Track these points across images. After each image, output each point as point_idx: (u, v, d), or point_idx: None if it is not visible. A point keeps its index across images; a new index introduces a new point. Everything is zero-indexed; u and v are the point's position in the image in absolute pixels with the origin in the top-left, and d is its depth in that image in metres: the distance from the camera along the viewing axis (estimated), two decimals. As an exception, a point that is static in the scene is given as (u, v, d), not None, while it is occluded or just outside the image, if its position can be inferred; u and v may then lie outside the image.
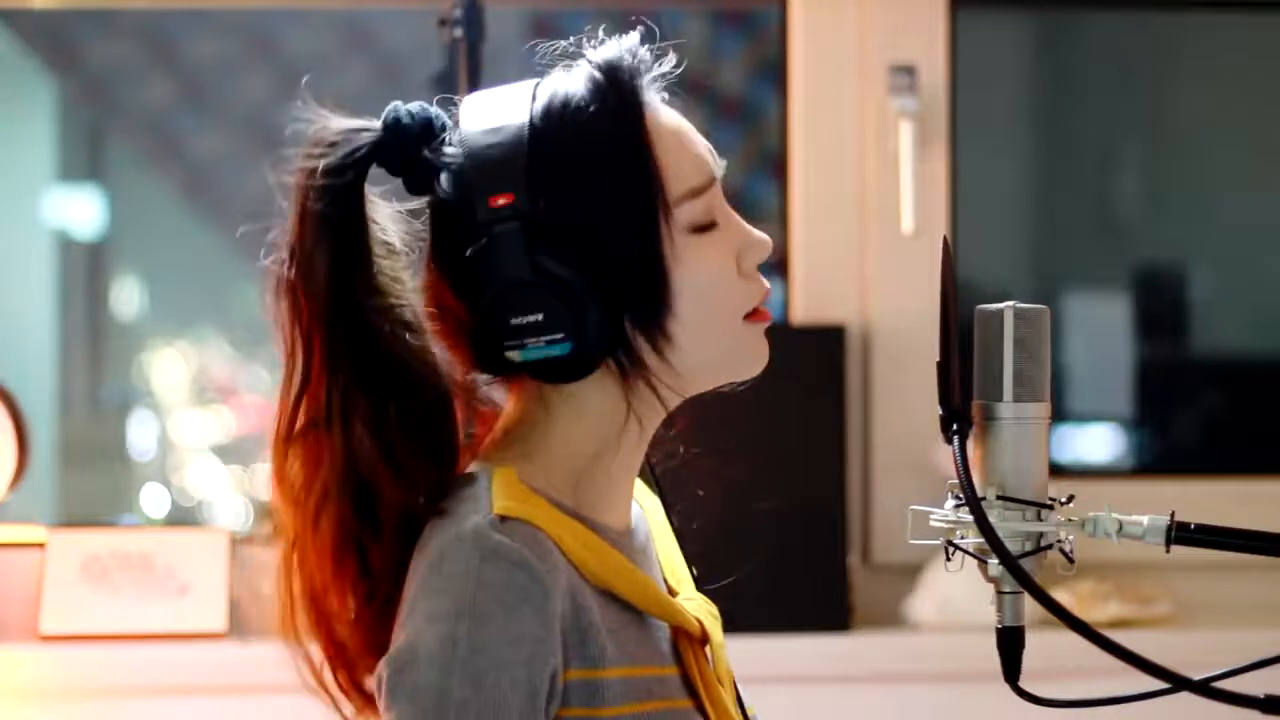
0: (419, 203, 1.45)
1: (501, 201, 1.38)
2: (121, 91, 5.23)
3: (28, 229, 4.98)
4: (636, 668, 1.38)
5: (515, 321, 1.38)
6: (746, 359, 1.45)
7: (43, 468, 4.44)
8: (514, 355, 1.38)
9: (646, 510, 1.54)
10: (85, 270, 5.30)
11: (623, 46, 1.44)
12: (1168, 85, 3.71)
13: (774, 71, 3.03)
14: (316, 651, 1.45)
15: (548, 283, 1.37)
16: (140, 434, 5.14)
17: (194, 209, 5.22)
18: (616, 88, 1.41)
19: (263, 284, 1.43)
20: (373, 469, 1.39)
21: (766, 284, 1.45)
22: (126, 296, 5.41)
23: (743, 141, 4.41)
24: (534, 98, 1.41)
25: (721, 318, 1.42)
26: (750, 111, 4.52)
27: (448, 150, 1.42)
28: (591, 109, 1.40)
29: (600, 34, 1.45)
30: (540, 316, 1.37)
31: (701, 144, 1.45)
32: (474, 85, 2.38)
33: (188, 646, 2.65)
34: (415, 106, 1.44)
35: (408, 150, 1.43)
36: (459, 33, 2.42)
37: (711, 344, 1.42)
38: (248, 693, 2.60)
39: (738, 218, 1.45)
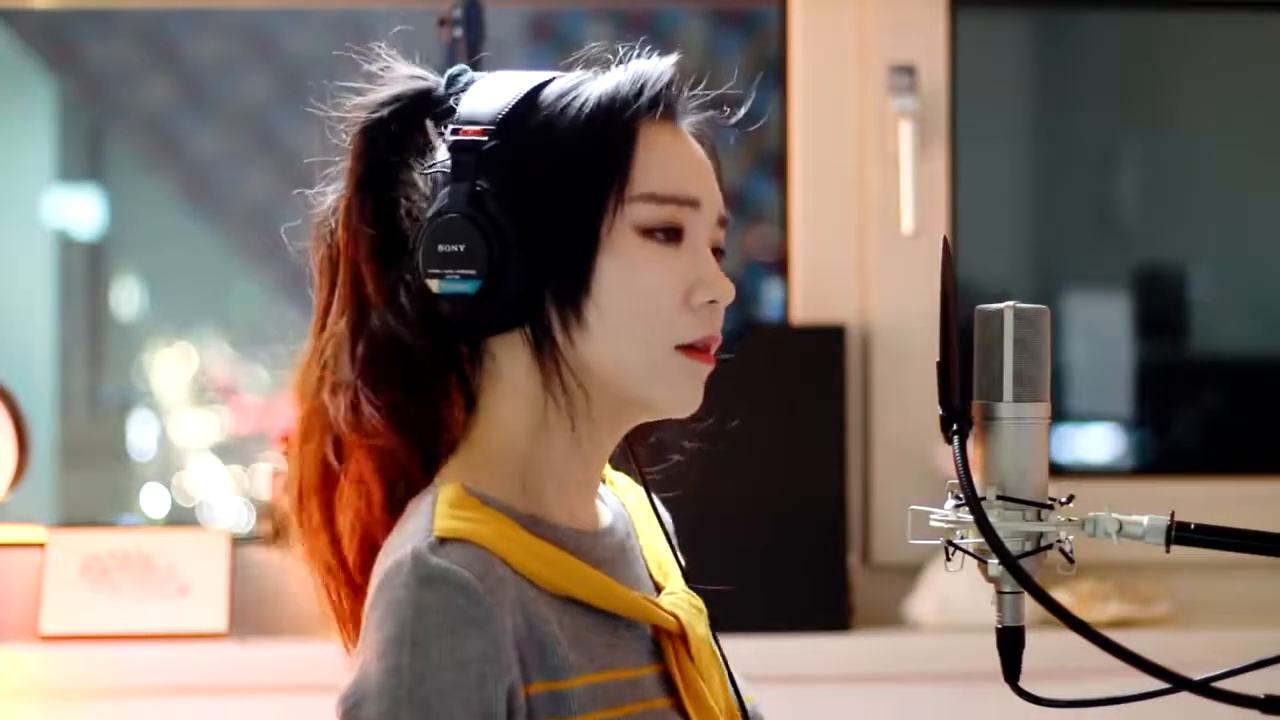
0: None
1: (469, 132, 1.40)
2: (121, 91, 5.23)
3: (28, 229, 4.98)
4: (604, 673, 1.38)
5: (441, 248, 1.39)
6: (667, 389, 1.42)
7: (43, 468, 4.44)
8: (433, 284, 1.40)
9: (629, 505, 1.54)
10: (85, 270, 5.30)
11: (663, 60, 1.45)
12: (1168, 85, 3.70)
13: (774, 71, 3.03)
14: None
15: (478, 216, 1.38)
16: (140, 434, 5.14)
17: (194, 209, 5.22)
18: (633, 86, 1.42)
19: (308, 217, 1.47)
20: (355, 414, 1.42)
21: (716, 327, 1.43)
22: (126, 296, 5.41)
23: (743, 141, 4.42)
24: (553, 79, 1.44)
25: (646, 331, 1.40)
26: (750, 111, 4.51)
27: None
28: (598, 95, 1.42)
29: (646, 50, 1.47)
30: (461, 247, 1.38)
31: (702, 177, 1.44)
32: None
33: (188, 646, 2.65)
34: (476, 73, 1.47)
35: (450, 109, 1.45)
36: (459, 33, 2.42)
37: (628, 353, 1.40)
38: (248, 693, 2.60)
39: (711, 259, 1.43)
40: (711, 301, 1.42)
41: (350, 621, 1.47)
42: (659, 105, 1.42)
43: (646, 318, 1.40)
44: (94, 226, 5.31)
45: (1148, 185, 3.78)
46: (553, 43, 4.51)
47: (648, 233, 1.40)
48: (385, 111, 1.45)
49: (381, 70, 1.47)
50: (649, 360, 1.41)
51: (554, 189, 1.39)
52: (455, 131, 1.41)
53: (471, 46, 2.42)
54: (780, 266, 2.98)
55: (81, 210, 5.30)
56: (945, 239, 1.41)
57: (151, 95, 5.15)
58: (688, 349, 1.41)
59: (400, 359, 1.42)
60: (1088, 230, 3.75)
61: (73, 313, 5.13)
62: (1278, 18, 3.33)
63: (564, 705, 1.34)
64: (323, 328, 1.45)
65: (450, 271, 1.39)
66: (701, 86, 1.47)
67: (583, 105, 1.41)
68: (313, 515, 1.45)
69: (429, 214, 1.40)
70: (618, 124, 1.41)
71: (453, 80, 1.47)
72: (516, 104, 1.41)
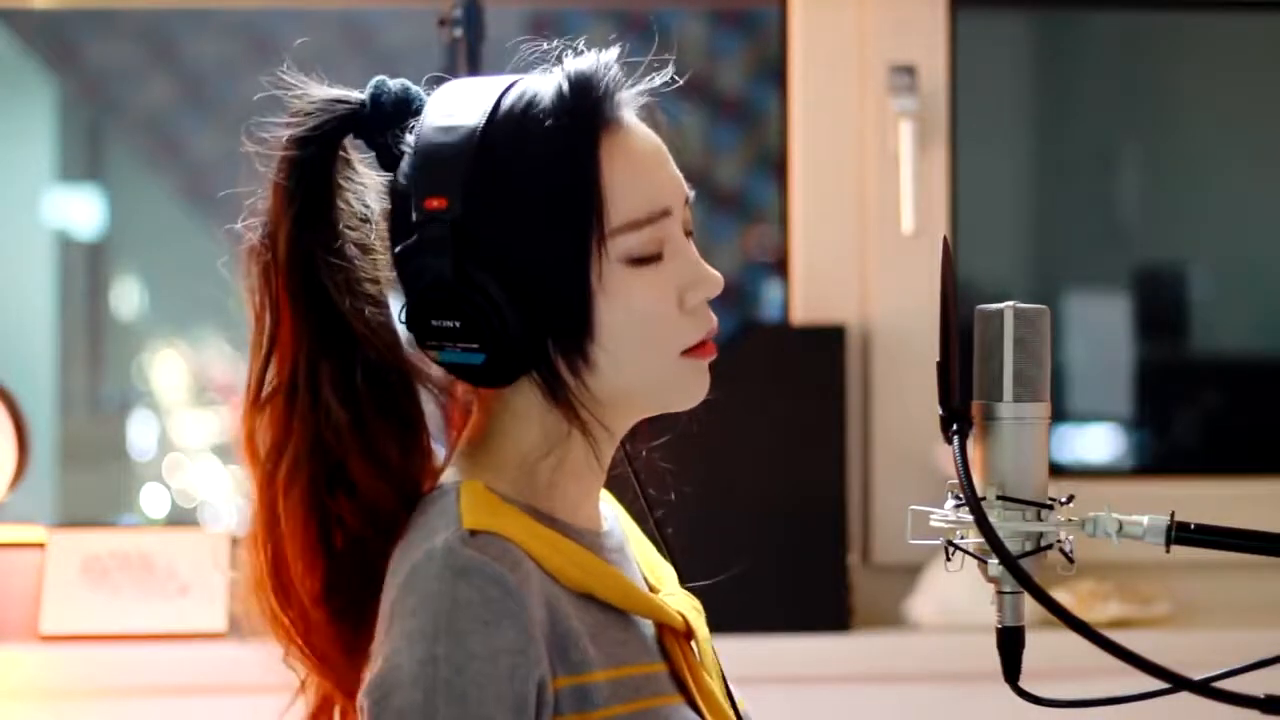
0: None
1: (435, 204, 1.37)
2: (121, 91, 5.23)
3: (28, 229, 4.98)
4: (623, 668, 1.38)
5: (435, 324, 1.38)
6: (680, 392, 1.43)
7: (43, 468, 4.45)
8: (433, 355, 1.39)
9: (619, 514, 1.55)
10: (85, 270, 5.30)
11: (599, 61, 1.41)
12: (1168, 85, 3.71)
13: (774, 71, 3.03)
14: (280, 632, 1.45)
15: (468, 291, 1.36)
16: (140, 434, 5.14)
17: (194, 209, 5.22)
18: (577, 104, 1.39)
19: (236, 250, 1.45)
20: (339, 437, 1.39)
21: (712, 320, 1.42)
22: (126, 296, 5.41)
23: (743, 141, 4.42)
24: (499, 99, 1.40)
25: (652, 351, 1.40)
26: (750, 111, 4.52)
27: (407, 137, 1.42)
28: (547, 123, 1.38)
29: (583, 44, 1.44)
30: (457, 324, 1.37)
31: (664, 173, 1.42)
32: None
33: (188, 646, 2.65)
34: (398, 84, 1.44)
35: (380, 127, 1.43)
36: (459, 33, 2.42)
37: (638, 375, 1.40)
38: (248, 693, 2.59)
39: (692, 252, 1.42)
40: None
41: (324, 666, 1.45)
42: (610, 115, 1.40)
43: (650, 339, 1.40)
44: (94, 226, 5.31)
45: (1148, 185, 3.79)
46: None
47: (634, 261, 1.39)
48: (313, 148, 1.42)
49: (298, 99, 1.44)
50: (659, 374, 1.41)
51: (536, 246, 1.37)
52: (419, 203, 1.37)
53: (471, 46, 2.42)
54: (780, 266, 2.98)
55: (81, 210, 5.30)
56: (945, 239, 1.41)
57: (151, 95, 5.15)
58: (694, 348, 1.42)
59: (390, 374, 1.42)
60: (1088, 230, 3.75)
61: (73, 313, 5.13)
62: (1278, 18, 3.33)
63: (589, 700, 1.34)
64: (265, 371, 1.41)
65: (450, 345, 1.38)
66: (625, 60, 1.43)
67: (540, 146, 1.37)
68: (286, 566, 1.41)
69: (414, 292, 1.38)
70: (581, 158, 1.38)
71: (377, 100, 1.43)
72: (474, 161, 1.37)
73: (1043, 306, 1.39)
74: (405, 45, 4.73)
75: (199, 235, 5.22)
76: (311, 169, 1.42)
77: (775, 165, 2.98)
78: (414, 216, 1.38)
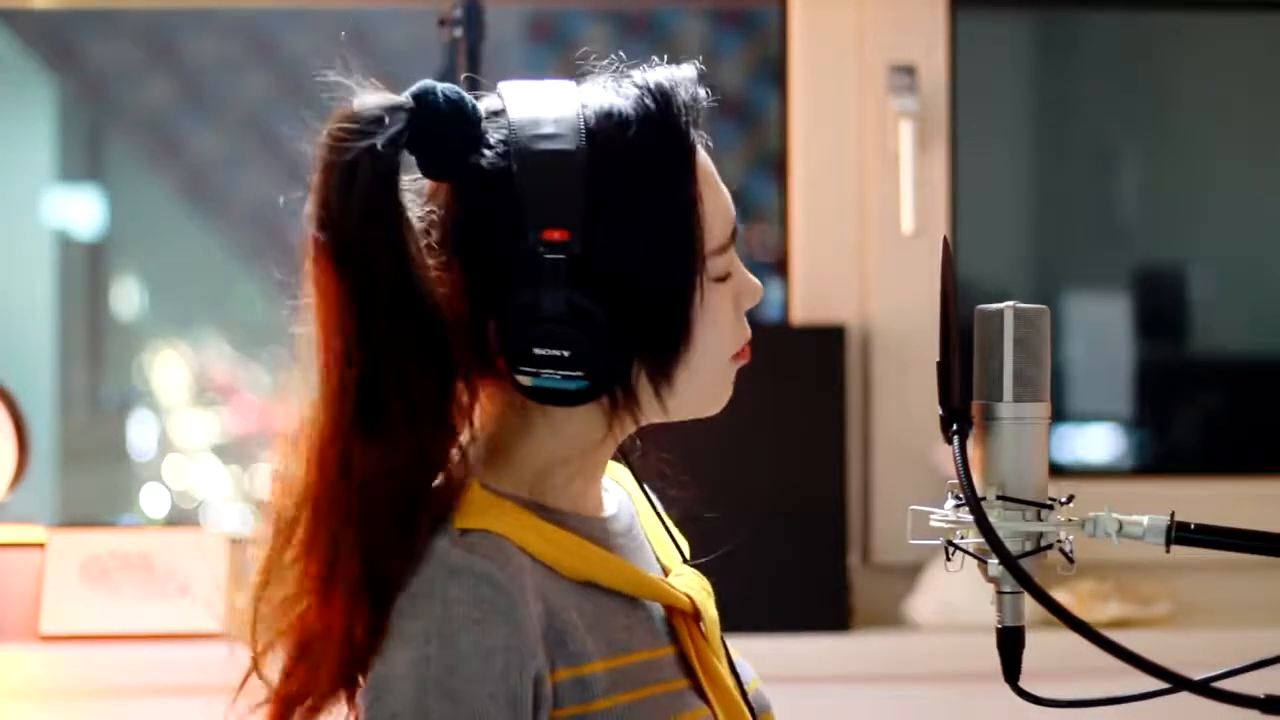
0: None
1: (556, 236, 1.35)
2: (121, 91, 5.23)
3: (28, 229, 4.98)
4: (625, 656, 1.38)
5: (539, 352, 1.36)
6: (719, 398, 1.45)
7: (43, 468, 4.45)
8: (524, 380, 1.37)
9: (627, 488, 1.55)
10: (85, 270, 5.30)
11: (678, 77, 1.42)
12: (1168, 85, 3.71)
13: (774, 71, 3.03)
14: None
15: (584, 324, 1.36)
16: (140, 434, 5.14)
17: (194, 209, 5.22)
18: (672, 126, 1.40)
19: (301, 266, 1.38)
20: (413, 469, 1.36)
21: (749, 329, 1.46)
22: (126, 296, 5.41)
23: (743, 141, 4.41)
24: (583, 111, 1.39)
25: (718, 362, 1.43)
26: (750, 111, 4.51)
27: (494, 140, 1.39)
28: (649, 146, 1.39)
29: (647, 59, 1.44)
30: (566, 353, 1.36)
31: (727, 194, 1.45)
32: (474, 85, 2.37)
33: (188, 646, 2.65)
34: (449, 89, 1.40)
35: (436, 133, 1.39)
36: (459, 33, 2.42)
37: (703, 386, 1.42)
38: (247, 693, 2.60)
39: (739, 262, 1.45)
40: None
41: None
42: (694, 137, 1.42)
43: (720, 353, 1.43)
44: (94, 226, 5.31)
45: (1148, 185, 3.78)
46: (553, 43, 4.51)
47: (720, 279, 1.42)
48: (387, 157, 1.35)
49: (357, 106, 1.38)
50: (714, 381, 1.43)
51: (648, 276, 1.38)
52: (538, 236, 1.35)
53: (471, 46, 2.42)
54: (780, 266, 2.98)
55: (81, 210, 5.30)
56: (945, 239, 1.41)
57: (151, 95, 5.15)
58: (735, 355, 1.44)
59: (431, 384, 1.37)
60: (1088, 230, 3.75)
61: (73, 313, 5.13)
62: (1278, 18, 3.33)
63: (589, 691, 1.34)
64: (331, 361, 1.36)
65: (549, 372, 1.36)
66: (698, 75, 1.44)
67: (649, 173, 1.38)
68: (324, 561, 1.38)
69: (520, 320, 1.35)
70: (684, 190, 1.39)
71: (432, 107, 1.39)
72: (589, 192, 1.36)
73: (1043, 306, 1.39)
74: (405, 45, 4.73)
75: (199, 235, 5.23)
76: (391, 177, 1.36)
77: (775, 165, 2.98)
78: (530, 243, 1.36)
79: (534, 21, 4.53)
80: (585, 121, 1.38)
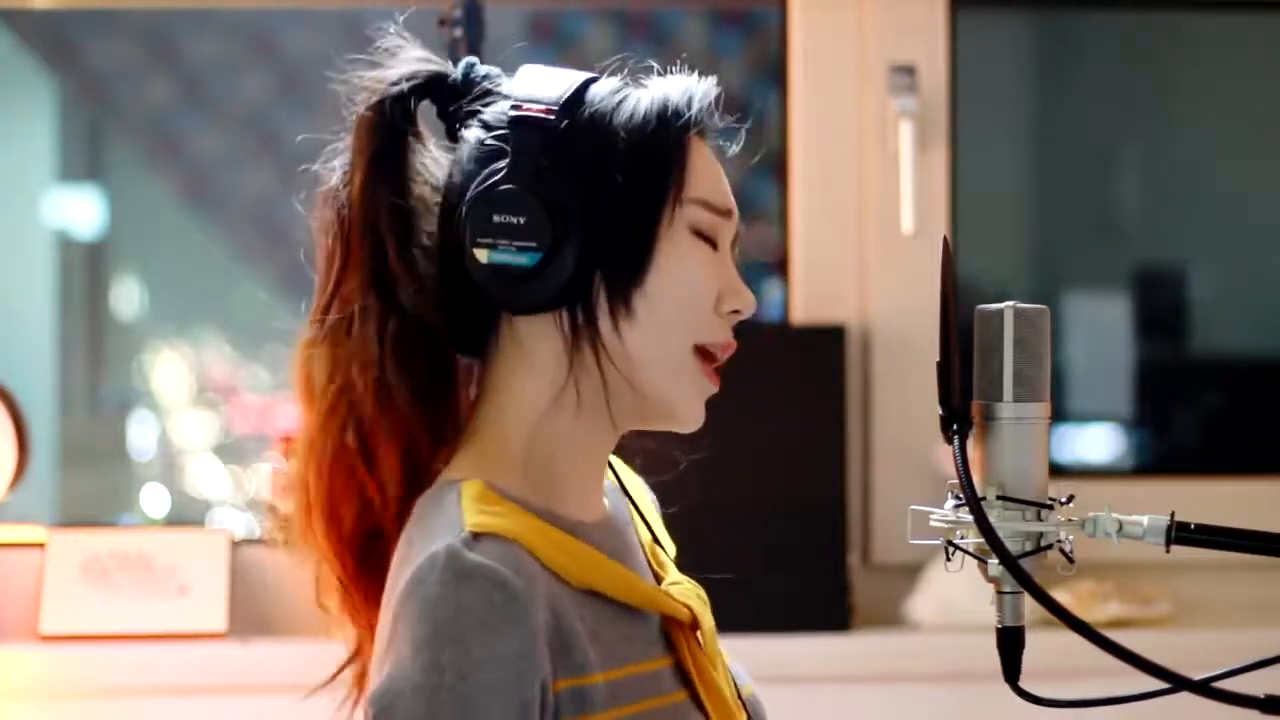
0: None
1: (533, 109, 1.41)
2: (121, 91, 5.23)
3: (28, 229, 4.98)
4: (623, 668, 1.38)
5: (497, 219, 1.39)
6: (686, 399, 1.44)
7: (43, 468, 4.44)
8: (481, 254, 1.39)
9: (632, 489, 1.54)
10: (85, 270, 5.30)
11: (703, 81, 1.47)
12: (1168, 85, 3.70)
13: (774, 71, 3.03)
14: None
15: (544, 193, 1.39)
16: (140, 434, 5.14)
17: (194, 209, 5.22)
18: (683, 98, 1.45)
19: (312, 191, 1.46)
20: (365, 378, 1.41)
21: (733, 339, 1.45)
22: (126, 296, 5.41)
23: (742, 141, 4.40)
24: (602, 75, 1.46)
25: (679, 327, 1.42)
26: (750, 111, 4.51)
27: (498, 86, 1.46)
28: (649, 100, 1.44)
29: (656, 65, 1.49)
30: (522, 220, 1.38)
31: (727, 185, 1.47)
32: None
33: (188, 646, 2.65)
34: (491, 68, 1.48)
35: (461, 97, 1.46)
36: (459, 33, 2.42)
37: (657, 345, 1.42)
38: (248, 693, 2.60)
39: (733, 266, 1.46)
40: (734, 311, 1.45)
41: (354, 612, 1.46)
42: (703, 122, 1.46)
43: (684, 314, 1.42)
44: (94, 226, 5.31)
45: (1148, 185, 3.78)
46: (553, 43, 4.51)
47: (698, 234, 1.43)
48: (404, 86, 1.45)
49: (394, 49, 1.47)
50: (674, 357, 1.42)
51: (620, 178, 1.41)
52: (516, 107, 1.41)
53: (471, 46, 2.42)
54: (780, 266, 2.98)
55: (81, 210, 5.30)
56: (945, 239, 1.41)
57: (151, 95, 5.15)
58: (704, 356, 1.43)
59: (425, 337, 1.43)
60: (1088, 230, 3.75)
61: (73, 313, 5.12)
62: (1278, 18, 3.33)
63: (588, 703, 1.34)
64: (329, 307, 1.43)
65: (505, 242, 1.39)
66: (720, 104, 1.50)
67: (640, 107, 1.43)
68: (322, 504, 1.43)
69: (480, 184, 1.40)
70: (674, 130, 1.43)
71: (469, 70, 1.48)
72: (576, 90, 1.42)
73: (1043, 306, 1.39)
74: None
75: (199, 235, 5.22)
76: (394, 115, 1.44)
77: (775, 165, 2.98)
78: (507, 118, 1.41)
79: (534, 21, 4.54)
80: (591, 77, 1.45)
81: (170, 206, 5.20)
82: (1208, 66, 3.57)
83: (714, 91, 1.47)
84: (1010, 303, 1.38)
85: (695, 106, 1.45)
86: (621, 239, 1.40)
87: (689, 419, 1.45)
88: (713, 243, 1.44)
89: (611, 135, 1.41)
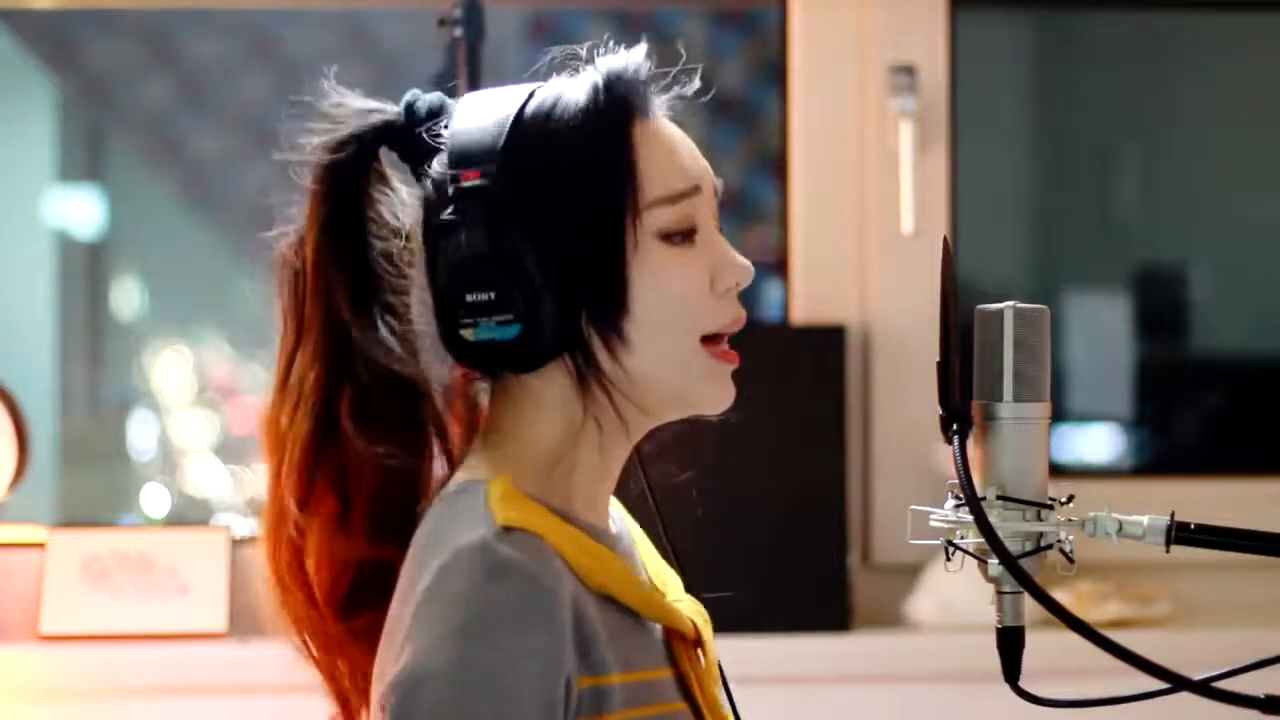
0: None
1: (472, 178, 1.39)
2: (121, 91, 5.23)
3: (28, 229, 4.98)
4: (634, 672, 1.38)
5: (470, 298, 1.38)
6: (706, 388, 1.43)
7: (43, 468, 4.44)
8: (467, 334, 1.39)
9: (625, 516, 1.55)
10: (85, 270, 5.30)
11: (630, 56, 1.44)
12: (1168, 85, 3.71)
13: (774, 71, 3.03)
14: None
15: (503, 261, 1.37)
16: (140, 434, 5.14)
17: (194, 209, 5.22)
18: (610, 92, 1.41)
19: (267, 258, 1.45)
20: (348, 442, 1.41)
21: (740, 311, 1.44)
22: (126, 296, 5.41)
23: (743, 141, 4.41)
24: (532, 92, 1.43)
25: (680, 333, 1.41)
26: (750, 111, 4.51)
27: (442, 134, 1.43)
28: (581, 105, 1.41)
29: (610, 44, 1.46)
30: (491, 295, 1.37)
31: (693, 155, 1.44)
32: (474, 85, 2.38)
33: (188, 646, 2.65)
34: (433, 96, 1.46)
35: (414, 136, 1.44)
36: (459, 33, 2.42)
37: (668, 356, 1.41)
38: (248, 693, 2.60)
39: (723, 239, 1.44)
40: (733, 286, 1.43)
41: (335, 663, 1.46)
42: (641, 105, 1.42)
43: (678, 319, 1.40)
44: (94, 226, 5.31)
45: (1148, 185, 3.78)
46: (553, 43, 4.50)
47: (667, 237, 1.41)
48: (347, 153, 1.43)
49: (334, 108, 1.45)
50: (680, 359, 1.41)
51: (571, 218, 1.39)
52: (455, 179, 1.39)
53: (471, 46, 2.42)
54: (780, 266, 2.98)
55: (81, 210, 5.30)
56: (945, 239, 1.41)
57: (151, 95, 5.15)
58: (714, 343, 1.42)
59: (396, 394, 1.42)
60: (1088, 230, 3.75)
61: (73, 313, 5.13)
62: (1278, 18, 3.33)
63: (606, 702, 1.34)
64: (288, 374, 1.43)
65: (485, 319, 1.38)
66: (654, 63, 1.45)
67: (573, 125, 1.40)
68: (283, 578, 1.44)
69: (446, 266, 1.39)
70: (613, 138, 1.40)
71: (411, 108, 1.45)
72: (509, 137, 1.39)
73: (1043, 306, 1.39)
74: (405, 45, 4.73)
75: (199, 235, 5.22)
76: (344, 176, 1.43)
77: (775, 165, 2.98)
78: (450, 193, 1.39)
79: (534, 21, 4.53)
80: (526, 95, 1.42)
81: (170, 206, 5.20)
82: (1208, 66, 3.57)
83: (642, 68, 1.43)
84: (1010, 303, 1.38)
85: (628, 97, 1.41)
86: (592, 278, 1.38)
87: (713, 405, 1.45)
88: (690, 230, 1.41)
89: (554, 173, 1.39)
